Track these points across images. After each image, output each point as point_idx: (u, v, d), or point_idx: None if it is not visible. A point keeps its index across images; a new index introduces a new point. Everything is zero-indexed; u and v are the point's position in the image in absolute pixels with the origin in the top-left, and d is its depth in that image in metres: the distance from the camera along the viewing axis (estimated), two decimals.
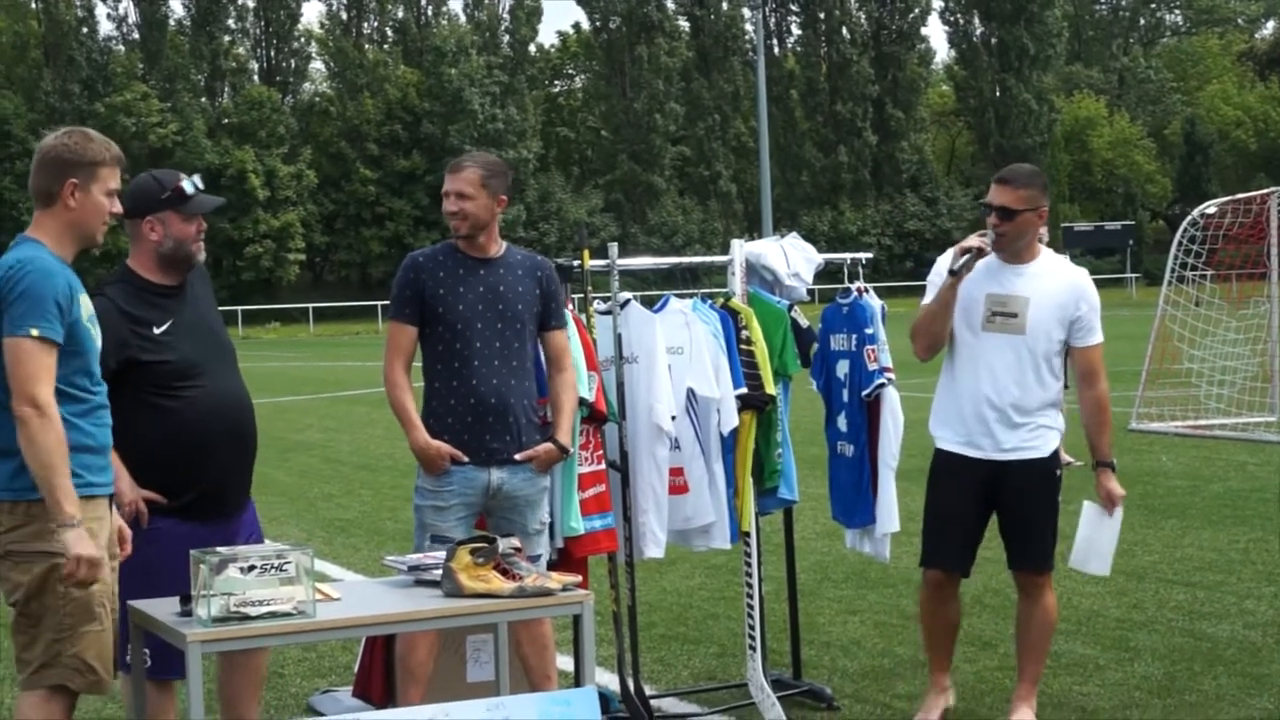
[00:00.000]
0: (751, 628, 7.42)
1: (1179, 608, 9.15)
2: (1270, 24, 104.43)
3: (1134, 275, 75.59)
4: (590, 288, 7.18)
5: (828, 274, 8.25)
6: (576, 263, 7.12)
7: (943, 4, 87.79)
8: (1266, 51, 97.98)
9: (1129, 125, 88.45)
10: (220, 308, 6.38)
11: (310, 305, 68.42)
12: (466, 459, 6.32)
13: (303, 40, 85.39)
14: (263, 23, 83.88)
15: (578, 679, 5.64)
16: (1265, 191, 20.05)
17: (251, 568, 4.82)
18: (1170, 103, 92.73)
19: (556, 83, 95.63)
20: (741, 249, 7.54)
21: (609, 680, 7.47)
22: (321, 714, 7.29)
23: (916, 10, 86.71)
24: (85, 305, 5.25)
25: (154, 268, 5.83)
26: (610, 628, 7.45)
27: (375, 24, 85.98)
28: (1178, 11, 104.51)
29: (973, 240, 6.74)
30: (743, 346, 7.22)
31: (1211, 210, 20.10)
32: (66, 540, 5.01)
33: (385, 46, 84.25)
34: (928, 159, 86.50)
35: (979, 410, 6.78)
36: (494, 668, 6.21)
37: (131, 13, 78.35)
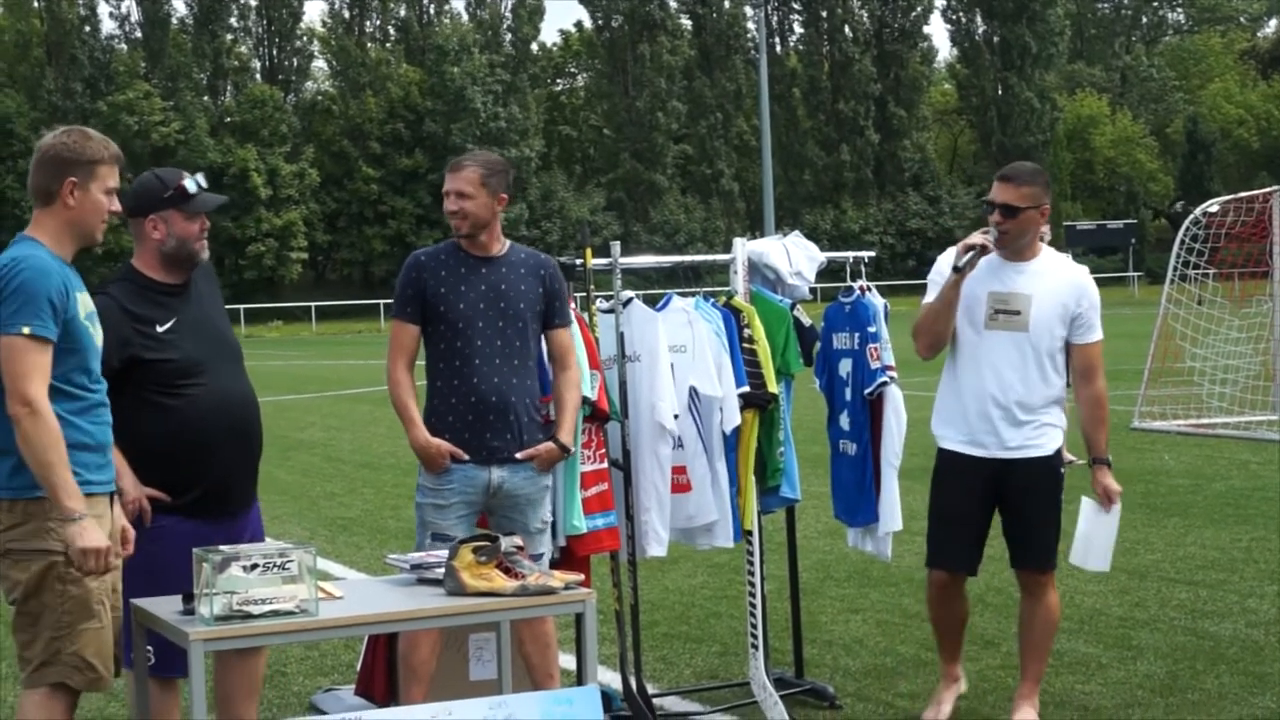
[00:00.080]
0: (754, 626, 7.42)
1: (1181, 606, 9.15)
2: (1272, 22, 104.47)
3: (1136, 274, 75.58)
4: (592, 286, 7.18)
5: (830, 273, 8.25)
6: (579, 261, 7.12)
7: (945, 2, 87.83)
8: (1269, 50, 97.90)
9: (1131, 124, 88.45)
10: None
11: (313, 304, 68.43)
12: (467, 457, 6.32)
13: (305, 39, 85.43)
14: (265, 21, 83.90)
15: (580, 677, 5.65)
16: (1267, 190, 20.03)
17: (254, 566, 4.82)
18: (1172, 101, 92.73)
19: (559, 81, 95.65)
20: (744, 247, 7.54)
21: (611, 679, 7.47)
22: (324, 712, 7.28)
23: (919, 9, 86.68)
24: (83, 303, 5.24)
25: (157, 266, 5.84)
26: (612, 626, 7.46)
27: (377, 22, 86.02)
28: (1180, 10, 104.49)
29: (976, 237, 6.75)
30: (745, 345, 7.22)
31: (1214, 209, 20.10)
32: (70, 535, 5.03)
33: (387, 45, 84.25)
34: (930, 157, 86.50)
35: (983, 408, 6.79)
36: (496, 666, 6.21)
37: (134, 11, 78.52)
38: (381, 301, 64.10)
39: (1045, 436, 6.82)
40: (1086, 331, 6.82)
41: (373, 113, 77.62)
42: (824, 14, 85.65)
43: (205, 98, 77.90)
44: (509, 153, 71.51)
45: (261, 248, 72.15)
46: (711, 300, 7.33)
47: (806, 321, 7.50)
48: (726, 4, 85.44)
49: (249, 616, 4.81)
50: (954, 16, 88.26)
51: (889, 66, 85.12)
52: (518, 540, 5.36)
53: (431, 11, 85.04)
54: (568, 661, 7.31)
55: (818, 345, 7.63)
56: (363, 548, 11.97)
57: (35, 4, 75.59)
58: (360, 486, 15.71)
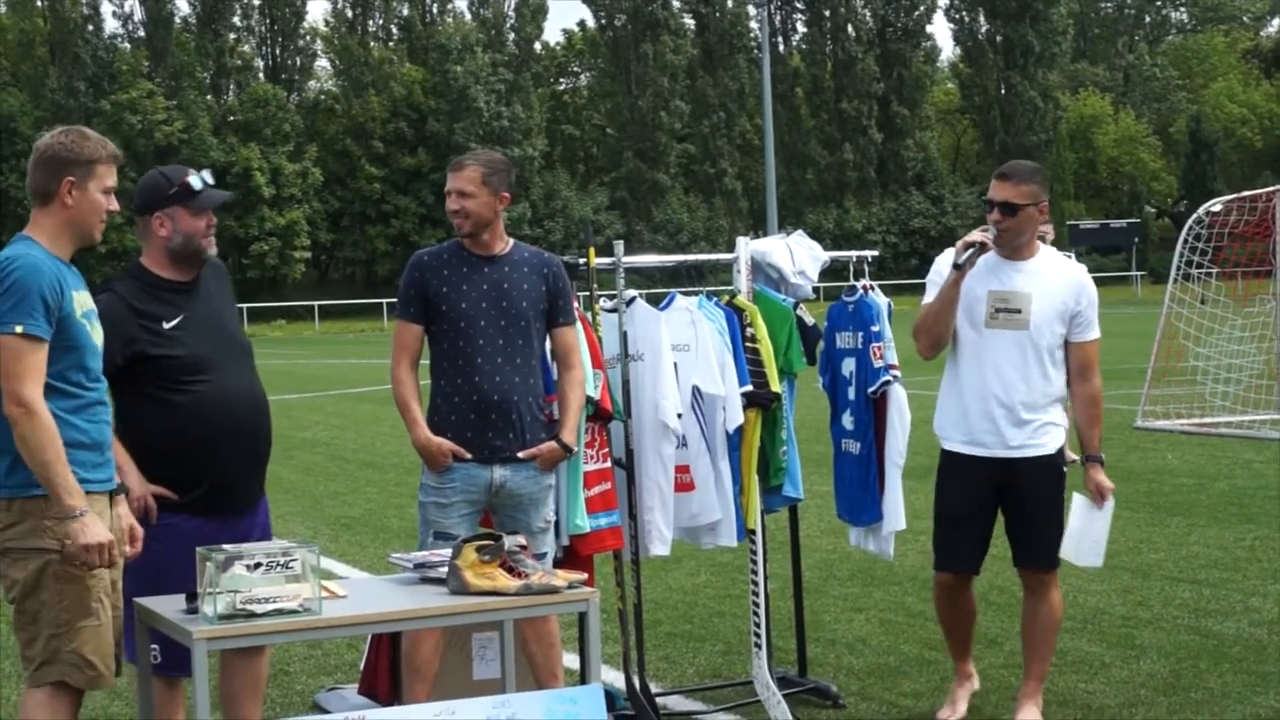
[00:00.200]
0: (757, 625, 7.42)
1: (1184, 605, 9.15)
2: (1275, 22, 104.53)
3: (1139, 273, 75.59)
4: (596, 285, 7.18)
5: (833, 272, 8.25)
6: (582, 260, 7.12)
7: (948, 2, 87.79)
8: (1272, 49, 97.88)
9: (1134, 123, 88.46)
10: None
11: (315, 303, 68.46)
12: (469, 456, 6.32)
13: (308, 38, 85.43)
14: (268, 20, 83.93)
15: (583, 676, 5.65)
16: (1271, 189, 20.03)
17: (257, 565, 4.82)
18: (1175, 100, 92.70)
19: (562, 80, 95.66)
20: (747, 247, 7.54)
21: (615, 678, 7.47)
22: (327, 711, 7.29)
23: (922, 8, 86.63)
24: (80, 301, 5.24)
25: (165, 263, 5.84)
26: (616, 625, 7.46)
27: (380, 21, 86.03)
28: (1183, 9, 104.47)
29: (975, 235, 6.77)
30: (747, 344, 7.22)
31: (1217, 208, 20.08)
32: (72, 531, 5.04)
33: (390, 44, 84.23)
34: (933, 157, 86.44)
35: (986, 407, 6.79)
36: (500, 665, 6.21)
37: (137, 10, 78.44)
38: (384, 300, 64.13)
39: (1047, 435, 6.83)
40: (1085, 330, 6.84)
41: (376, 112, 77.63)
42: (827, 13, 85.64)
43: (208, 97, 77.90)
44: (512, 152, 71.49)
45: (264, 247, 72.16)
46: (714, 299, 7.33)
47: (809, 320, 7.50)
48: (729, 3, 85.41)
49: (252, 615, 4.81)
50: (957, 16, 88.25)
51: (892, 66, 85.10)
52: (521, 539, 5.36)
53: (434, 10, 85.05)
54: (571, 661, 7.31)
55: (821, 344, 7.63)
56: (366, 547, 11.97)
57: (39, 3, 75.62)
58: (363, 485, 15.71)
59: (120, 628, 5.39)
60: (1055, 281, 6.80)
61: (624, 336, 7.08)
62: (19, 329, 5.02)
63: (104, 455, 5.30)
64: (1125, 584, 9.72)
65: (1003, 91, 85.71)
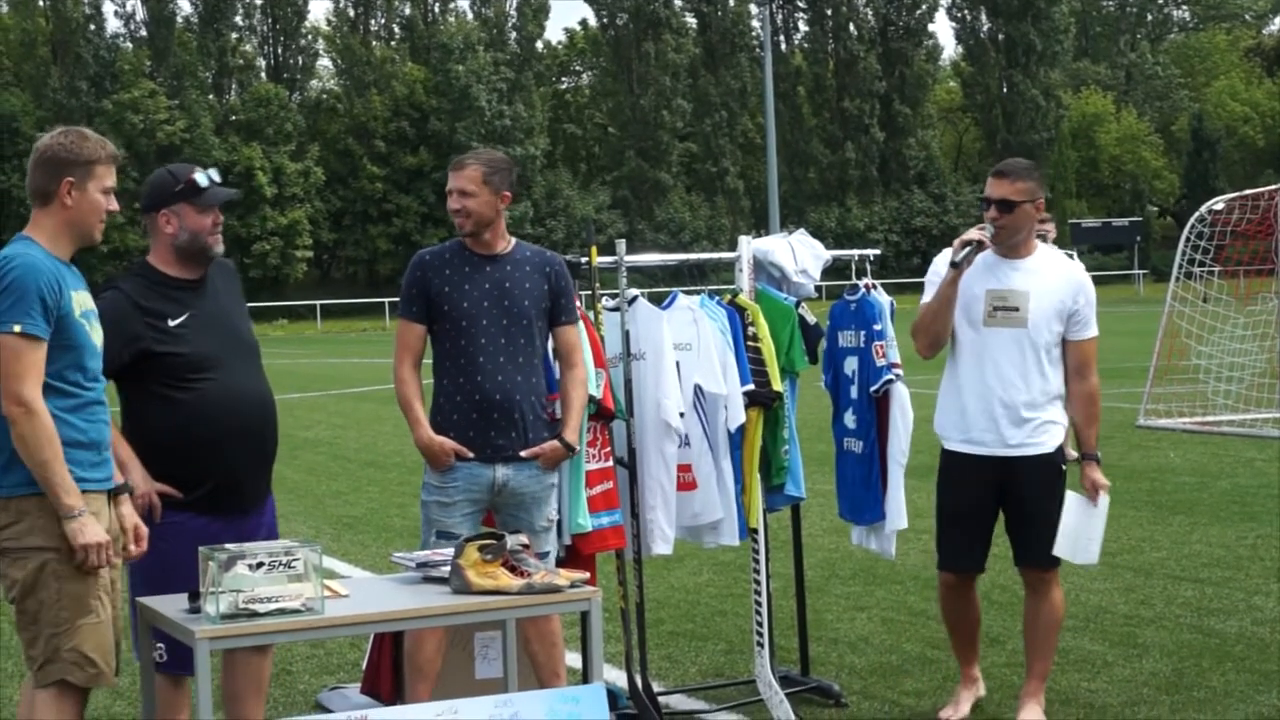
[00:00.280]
0: (759, 624, 7.43)
1: (1187, 604, 9.15)
2: (1277, 20, 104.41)
3: (1141, 271, 75.61)
4: (598, 284, 7.18)
5: (835, 270, 8.25)
6: (584, 259, 7.13)
7: (950, 0, 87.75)
8: (1274, 47, 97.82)
9: (1136, 121, 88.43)
10: None
11: (317, 302, 68.48)
12: (471, 455, 6.32)
13: (310, 37, 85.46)
14: (270, 20, 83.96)
15: (586, 676, 5.65)
16: (1273, 187, 20.02)
17: (260, 565, 4.83)
18: (1177, 99, 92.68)
19: (564, 79, 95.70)
20: (749, 245, 7.54)
21: (617, 677, 7.48)
22: (330, 711, 7.29)
23: (924, 6, 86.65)
24: (80, 301, 5.25)
25: (172, 261, 5.85)
26: (618, 624, 7.46)
27: (382, 21, 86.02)
28: (1185, 7, 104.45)
29: (973, 233, 6.79)
30: (749, 343, 7.22)
31: (1219, 206, 20.07)
32: (70, 531, 5.06)
33: (392, 43, 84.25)
34: (935, 155, 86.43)
35: (985, 406, 6.81)
36: (502, 664, 6.21)
37: (139, 10, 78.46)
38: (386, 300, 64.12)
39: (1046, 434, 6.84)
40: (1083, 328, 6.85)
41: (378, 111, 77.63)
42: (829, 12, 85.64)
43: (210, 96, 77.94)
44: (514, 151, 71.48)
45: (266, 246, 72.15)
46: (716, 298, 7.32)
47: (811, 319, 7.50)
48: (731, 2, 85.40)
49: (255, 615, 4.81)
50: (959, 14, 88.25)
51: (894, 64, 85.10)
52: (523, 538, 5.36)
53: (436, 10, 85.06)
54: (573, 660, 7.31)
55: (823, 343, 7.63)
56: (368, 546, 11.97)
57: (40, 3, 75.62)
58: (365, 485, 15.71)
59: (121, 626, 5.40)
60: (1053, 280, 6.81)
61: (626, 335, 7.08)
62: (17, 328, 5.03)
63: (101, 455, 5.30)
64: (1128, 582, 9.72)
65: (1005, 90, 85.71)
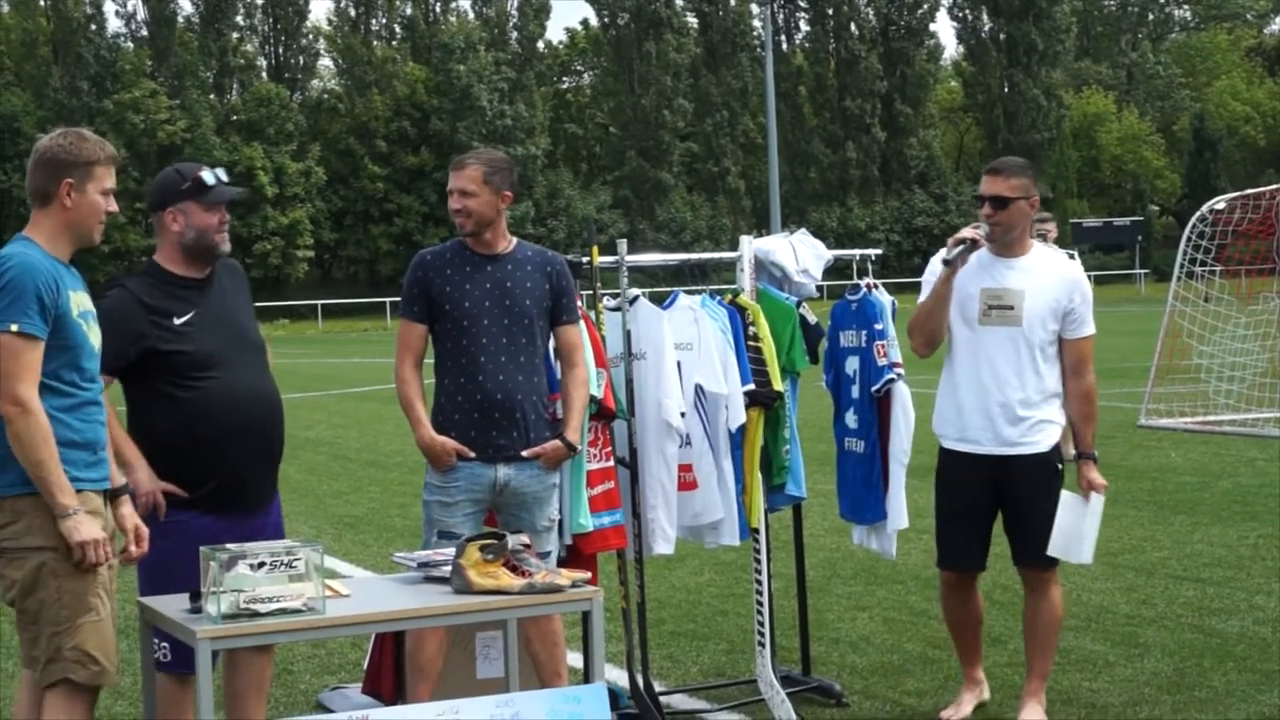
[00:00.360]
0: (760, 624, 7.42)
1: (1188, 604, 9.15)
2: (1279, 19, 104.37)
3: (1143, 271, 75.60)
4: (599, 284, 7.18)
5: (836, 270, 8.25)
6: (586, 259, 7.12)
7: (951, 0, 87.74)
8: (1275, 47, 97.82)
9: (1138, 121, 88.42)
10: None
11: (319, 302, 68.47)
12: (473, 455, 6.32)
13: (311, 37, 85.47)
14: (271, 19, 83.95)
15: (587, 675, 5.65)
16: (1274, 187, 20.02)
17: (261, 564, 4.83)
18: (1179, 98, 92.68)
19: (565, 79, 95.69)
20: (750, 245, 7.54)
21: (618, 677, 7.48)
22: (331, 711, 7.30)
23: (925, 6, 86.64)
24: (78, 301, 5.25)
25: (178, 259, 5.85)
26: (620, 624, 7.46)
27: (384, 20, 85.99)
28: (1186, 7, 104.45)
29: (966, 231, 6.81)
30: (750, 343, 7.22)
31: (1220, 206, 20.07)
32: (66, 530, 5.06)
33: (394, 43, 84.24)
34: (936, 155, 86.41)
35: (981, 404, 6.83)
36: (503, 664, 6.20)
37: (140, 9, 78.45)
38: (387, 299, 64.12)
39: (1041, 433, 6.84)
40: (1079, 326, 6.85)
41: (379, 111, 77.63)
42: (830, 11, 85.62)
43: (211, 96, 77.92)
44: (515, 151, 71.48)
45: (267, 246, 72.12)
46: (717, 298, 7.32)
47: (812, 319, 7.50)
48: (732, 2, 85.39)
49: (256, 615, 4.81)
50: (960, 14, 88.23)
51: (895, 64, 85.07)
52: (525, 538, 5.36)
53: (437, 10, 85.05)
54: (575, 659, 7.31)
55: (824, 343, 7.63)
56: (369, 546, 11.98)
57: (41, 2, 75.63)
58: (367, 485, 15.71)
59: (118, 625, 5.40)
60: (1048, 278, 6.82)
61: (627, 335, 7.08)
62: (14, 327, 5.04)
63: (97, 455, 5.31)
64: (1129, 582, 9.72)
65: (1006, 90, 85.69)
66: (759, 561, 7.42)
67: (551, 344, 6.60)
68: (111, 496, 5.44)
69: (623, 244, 7.29)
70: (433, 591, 5.33)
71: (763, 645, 7.39)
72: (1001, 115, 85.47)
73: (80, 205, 5.29)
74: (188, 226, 5.81)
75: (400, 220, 76.33)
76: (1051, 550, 6.87)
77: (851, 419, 7.54)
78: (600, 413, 6.87)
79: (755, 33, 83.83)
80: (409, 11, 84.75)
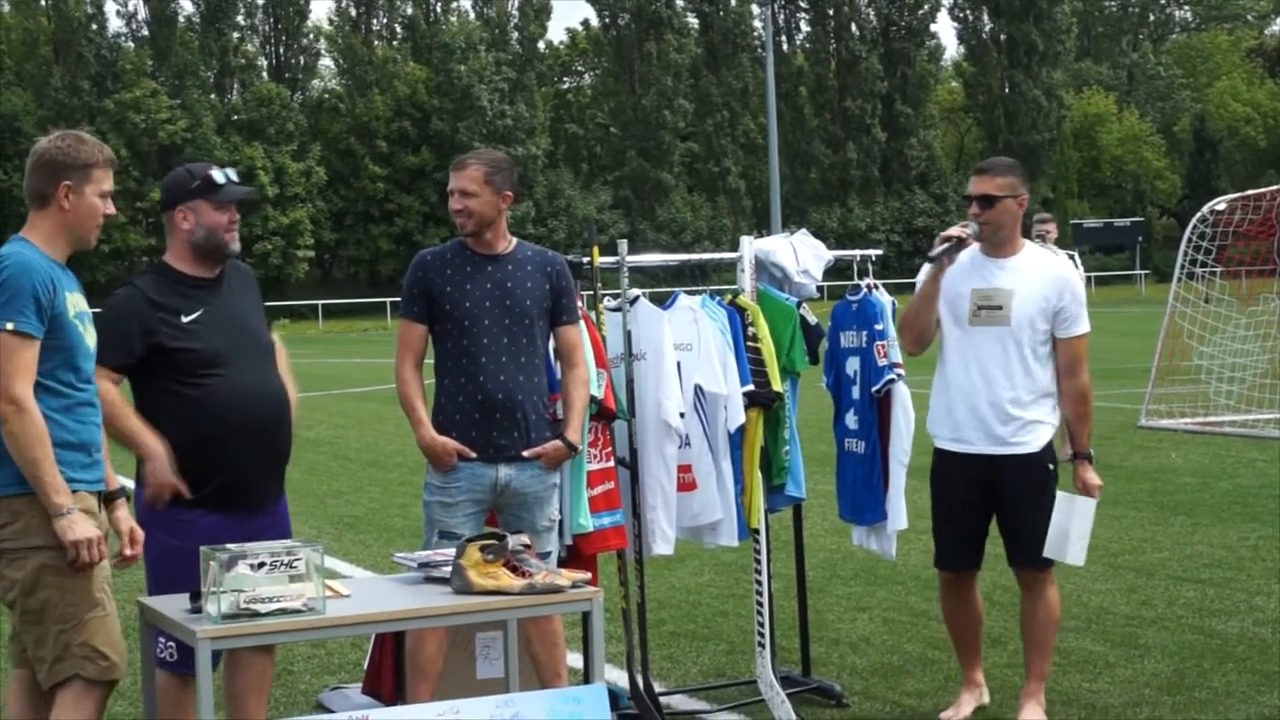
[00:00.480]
0: (760, 625, 7.42)
1: (1188, 605, 9.15)
2: (1279, 20, 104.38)
3: (1143, 272, 75.60)
4: (599, 285, 7.18)
5: (837, 271, 8.25)
6: (586, 260, 7.13)
7: (952, 0, 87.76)
8: (1276, 48, 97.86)
9: (1138, 122, 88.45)
10: None
11: (319, 302, 68.46)
12: (474, 455, 6.32)
13: (312, 37, 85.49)
14: (272, 19, 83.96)
15: (587, 676, 5.64)
16: (1275, 188, 20.04)
17: (261, 564, 4.82)
18: (1179, 99, 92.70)
19: (565, 79, 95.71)
20: (751, 246, 7.54)
21: (618, 677, 7.48)
22: (331, 711, 7.30)
23: (926, 6, 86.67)
24: (74, 302, 5.26)
25: (188, 258, 5.86)
26: (620, 625, 7.46)
27: (384, 20, 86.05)
28: (1187, 7, 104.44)
29: (954, 230, 6.84)
30: (749, 343, 7.22)
31: (1221, 207, 20.08)
32: (60, 529, 5.06)
33: (394, 43, 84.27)
34: (936, 155, 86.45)
35: (971, 404, 6.84)
36: (504, 665, 6.20)
37: (141, 9, 78.49)
38: (388, 300, 64.12)
39: (1032, 434, 6.84)
40: (1071, 325, 6.86)
41: (379, 111, 77.64)
42: (831, 12, 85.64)
43: (212, 96, 77.96)
44: (516, 151, 71.51)
45: (268, 246, 72.09)
46: (717, 298, 7.33)
47: (812, 320, 7.50)
48: (733, 2, 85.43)
49: (256, 615, 4.81)
50: (961, 14, 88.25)
51: (896, 65, 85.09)
52: (525, 539, 5.36)
53: (438, 10, 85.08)
54: (575, 660, 7.31)
55: (824, 343, 7.63)
56: (370, 546, 11.98)
57: (42, 2, 75.65)
58: (367, 485, 15.71)
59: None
60: (1037, 278, 6.83)
61: (628, 336, 7.08)
62: (10, 326, 5.05)
63: (92, 456, 5.31)
64: (1129, 583, 9.72)
65: (1006, 90, 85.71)
66: (759, 562, 7.42)
67: (551, 344, 6.60)
68: (107, 499, 5.45)
69: (623, 244, 7.29)
70: (433, 592, 5.33)
71: (763, 646, 7.39)
72: (1002, 116, 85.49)
73: (78, 207, 5.29)
74: (198, 225, 5.82)
75: (401, 220, 76.36)
76: (1046, 551, 6.87)
77: (852, 420, 7.54)
78: (600, 413, 6.87)
79: (756, 33, 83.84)
80: (410, 11, 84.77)
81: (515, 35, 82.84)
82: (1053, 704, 7.09)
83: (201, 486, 5.73)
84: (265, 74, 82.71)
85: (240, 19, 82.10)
